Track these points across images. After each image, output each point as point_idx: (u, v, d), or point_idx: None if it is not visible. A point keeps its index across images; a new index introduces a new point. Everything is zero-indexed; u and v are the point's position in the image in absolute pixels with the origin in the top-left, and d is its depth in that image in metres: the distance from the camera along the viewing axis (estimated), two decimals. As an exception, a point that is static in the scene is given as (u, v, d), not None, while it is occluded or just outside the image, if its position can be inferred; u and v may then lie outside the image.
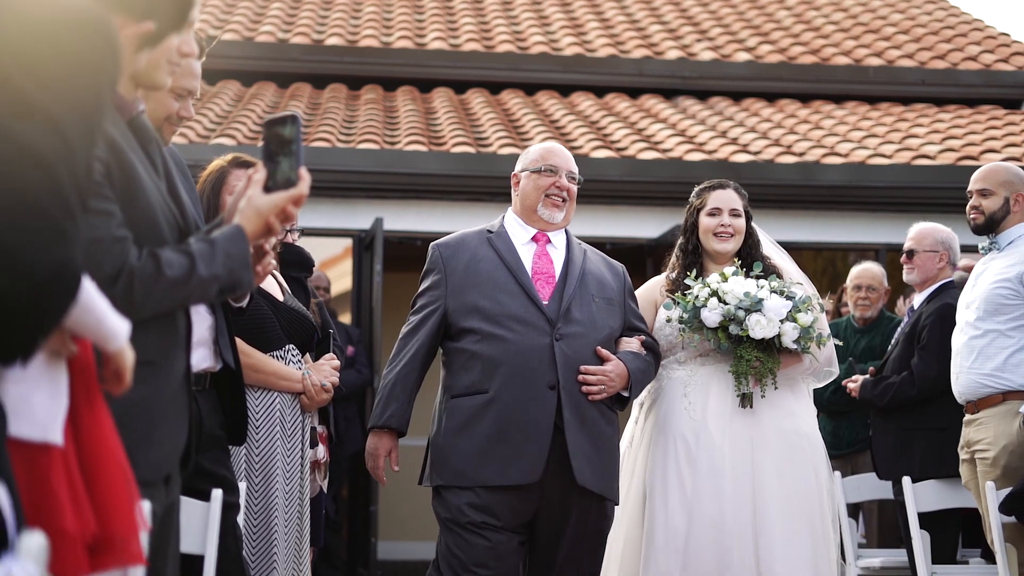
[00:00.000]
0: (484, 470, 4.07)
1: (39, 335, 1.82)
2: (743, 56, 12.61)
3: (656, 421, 4.59)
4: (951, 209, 8.48)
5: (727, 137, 10.68)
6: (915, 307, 6.11)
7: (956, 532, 5.93)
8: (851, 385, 6.09)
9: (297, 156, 2.40)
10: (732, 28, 13.46)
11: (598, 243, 4.70)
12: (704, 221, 4.72)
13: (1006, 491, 4.91)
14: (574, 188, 4.43)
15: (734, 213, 4.70)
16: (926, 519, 5.55)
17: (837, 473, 5.22)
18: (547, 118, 11.24)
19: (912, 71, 12.48)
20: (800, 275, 4.83)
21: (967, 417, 5.27)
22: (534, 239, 4.38)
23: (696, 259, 4.74)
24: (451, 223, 8.45)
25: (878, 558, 6.17)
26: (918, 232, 6.13)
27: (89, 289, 1.93)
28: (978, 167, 5.57)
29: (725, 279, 4.52)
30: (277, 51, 12.22)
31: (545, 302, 4.21)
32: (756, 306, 4.43)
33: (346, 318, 10.20)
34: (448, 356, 4.28)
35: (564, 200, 4.39)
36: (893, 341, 6.18)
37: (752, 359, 4.45)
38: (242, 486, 3.82)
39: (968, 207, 5.37)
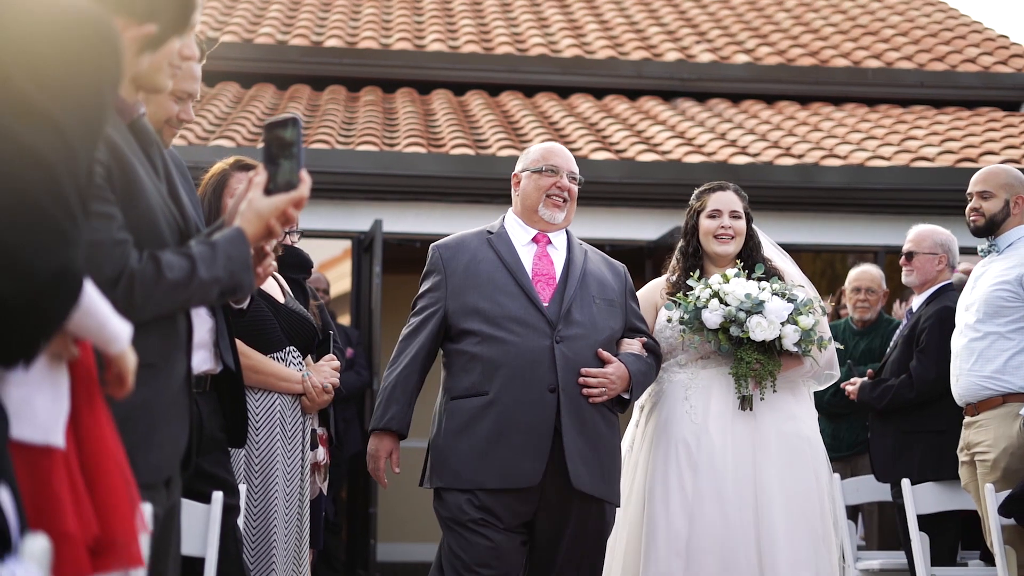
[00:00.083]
0: (484, 473, 4.06)
1: (41, 338, 1.81)
2: (742, 58, 12.61)
3: (657, 424, 4.59)
4: (950, 211, 8.49)
5: (726, 139, 10.68)
6: (914, 309, 6.10)
7: (955, 534, 5.92)
8: (849, 387, 6.08)
9: (298, 158, 2.41)
10: (731, 30, 13.46)
11: (597, 245, 4.69)
12: (704, 223, 4.71)
13: (1005, 493, 4.91)
14: (575, 188, 4.42)
15: (734, 215, 4.69)
16: (925, 521, 5.55)
17: (836, 475, 5.22)
18: (546, 120, 11.24)
19: (911, 73, 12.48)
20: (802, 278, 4.82)
21: (967, 419, 5.26)
22: (535, 240, 4.37)
23: (697, 262, 4.73)
24: (450, 225, 8.44)
25: (877, 560, 6.16)
26: (917, 234, 6.13)
27: (91, 292, 1.92)
28: (977, 169, 5.57)
29: (727, 280, 4.51)
30: (276, 53, 12.21)
31: (545, 304, 4.20)
32: (757, 308, 4.42)
33: (345, 320, 10.19)
34: (448, 358, 4.27)
35: (565, 200, 4.38)
36: (892, 343, 6.17)
37: (752, 361, 4.44)
38: (242, 488, 3.81)
39: (968, 209, 5.37)
